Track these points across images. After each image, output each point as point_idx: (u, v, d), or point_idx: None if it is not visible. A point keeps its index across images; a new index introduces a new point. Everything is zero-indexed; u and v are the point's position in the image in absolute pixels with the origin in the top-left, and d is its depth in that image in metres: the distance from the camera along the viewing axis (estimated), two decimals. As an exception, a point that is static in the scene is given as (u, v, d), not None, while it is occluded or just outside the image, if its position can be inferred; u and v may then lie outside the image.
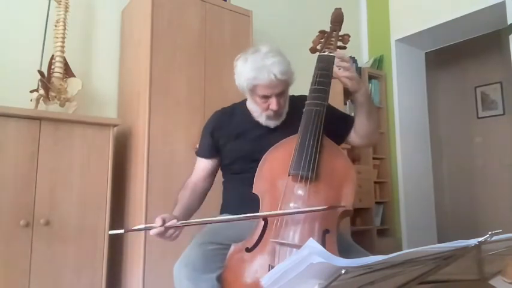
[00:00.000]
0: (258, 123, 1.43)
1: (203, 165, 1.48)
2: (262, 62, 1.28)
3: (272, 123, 1.39)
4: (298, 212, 1.13)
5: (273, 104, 1.32)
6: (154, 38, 2.20)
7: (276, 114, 1.36)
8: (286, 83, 1.33)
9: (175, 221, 1.15)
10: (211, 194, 1.51)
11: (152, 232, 1.13)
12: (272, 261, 1.09)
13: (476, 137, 4.62)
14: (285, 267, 0.62)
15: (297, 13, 3.53)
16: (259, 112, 1.38)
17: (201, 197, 1.46)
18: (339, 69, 1.28)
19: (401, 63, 3.88)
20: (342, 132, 1.44)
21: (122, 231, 1.13)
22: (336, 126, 1.37)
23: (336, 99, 3.11)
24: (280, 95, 1.33)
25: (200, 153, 1.50)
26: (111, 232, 1.14)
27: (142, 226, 1.18)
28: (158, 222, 1.14)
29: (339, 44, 1.41)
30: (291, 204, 1.15)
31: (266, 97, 1.32)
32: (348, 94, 3.27)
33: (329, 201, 1.16)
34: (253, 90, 1.33)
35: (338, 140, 1.39)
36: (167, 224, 1.14)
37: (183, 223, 1.16)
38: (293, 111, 1.40)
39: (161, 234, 1.14)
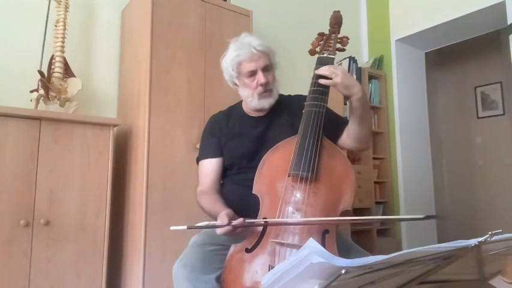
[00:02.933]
0: (255, 122, 1.43)
1: (210, 166, 1.44)
2: (242, 42, 1.39)
3: (266, 102, 1.40)
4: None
5: (260, 77, 1.36)
6: (154, 38, 2.20)
7: (266, 89, 1.38)
8: (267, 56, 1.39)
9: (242, 219, 1.10)
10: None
11: (220, 231, 1.10)
12: (272, 262, 1.09)
13: (476, 137, 4.62)
14: (285, 267, 0.62)
15: (297, 13, 3.52)
16: (251, 93, 1.39)
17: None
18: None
19: (401, 63, 3.87)
20: (333, 133, 1.41)
21: (184, 227, 1.06)
22: (329, 127, 1.36)
23: (336, 100, 3.11)
24: (266, 70, 1.38)
25: (204, 155, 1.47)
26: (172, 228, 1.07)
27: (205, 223, 1.10)
28: (224, 220, 1.10)
29: (338, 46, 1.41)
30: (291, 206, 1.15)
31: (253, 73, 1.37)
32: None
33: (328, 201, 1.17)
34: (239, 70, 1.39)
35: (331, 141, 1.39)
36: (234, 223, 1.09)
37: (249, 222, 1.12)
38: (290, 109, 1.40)
39: (229, 232, 1.10)
